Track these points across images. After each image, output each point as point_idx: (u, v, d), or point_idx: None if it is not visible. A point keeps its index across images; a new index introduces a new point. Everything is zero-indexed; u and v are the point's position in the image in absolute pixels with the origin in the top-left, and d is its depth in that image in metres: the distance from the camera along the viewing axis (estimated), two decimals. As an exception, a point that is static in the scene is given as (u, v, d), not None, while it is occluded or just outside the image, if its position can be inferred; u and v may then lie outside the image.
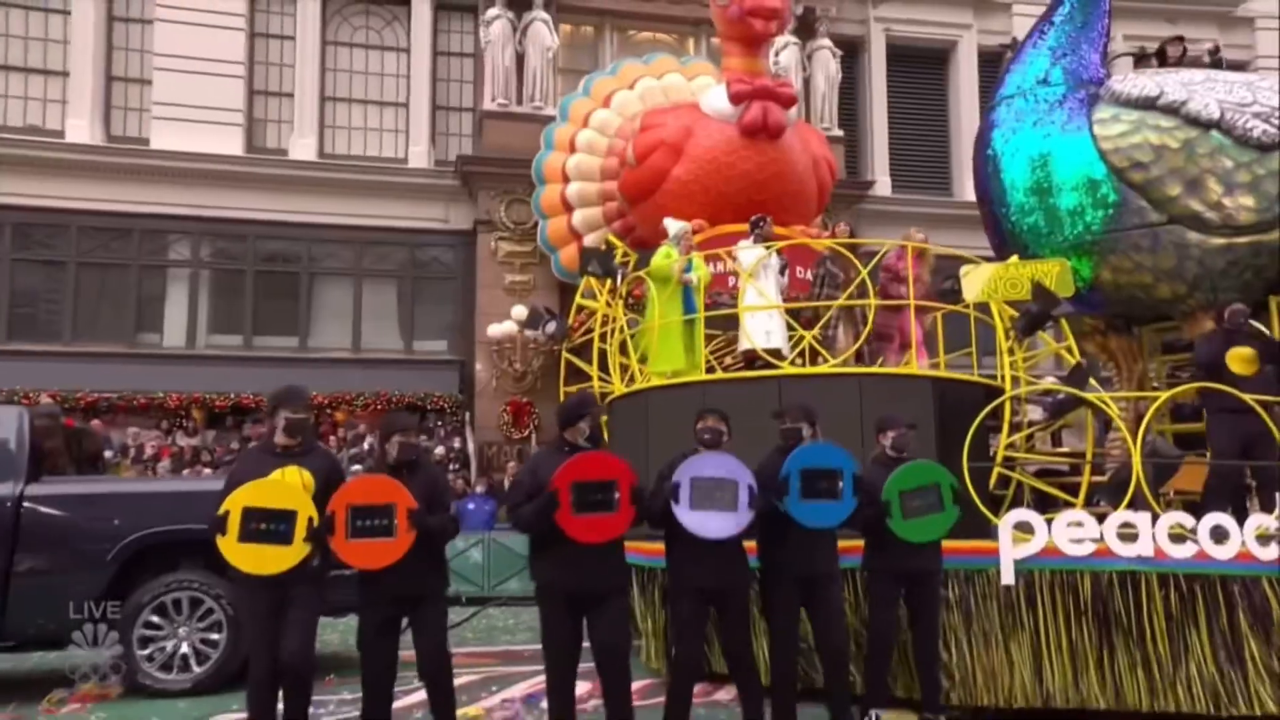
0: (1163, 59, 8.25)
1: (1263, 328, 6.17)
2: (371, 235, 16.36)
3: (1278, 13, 18.69)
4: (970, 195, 17.23)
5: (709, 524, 4.26)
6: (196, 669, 5.84)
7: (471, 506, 11.21)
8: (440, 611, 4.41)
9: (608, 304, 8.10)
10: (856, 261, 7.09)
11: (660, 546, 4.87)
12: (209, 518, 4.15)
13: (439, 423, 15.17)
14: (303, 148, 16.29)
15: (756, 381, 6.30)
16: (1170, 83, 6.97)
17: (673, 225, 8.04)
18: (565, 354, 8.57)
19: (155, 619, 5.84)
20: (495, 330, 15.09)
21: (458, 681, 5.45)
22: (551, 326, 8.22)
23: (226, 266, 16.23)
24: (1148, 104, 6.91)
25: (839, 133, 16.49)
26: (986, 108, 7.76)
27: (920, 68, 18.11)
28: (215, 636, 5.87)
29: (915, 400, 6.06)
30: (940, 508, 4.52)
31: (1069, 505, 6.07)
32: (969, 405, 6.32)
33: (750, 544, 4.64)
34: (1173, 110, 6.83)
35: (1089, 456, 6.08)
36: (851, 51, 17.59)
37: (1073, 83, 7.30)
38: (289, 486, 4.15)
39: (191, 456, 13.71)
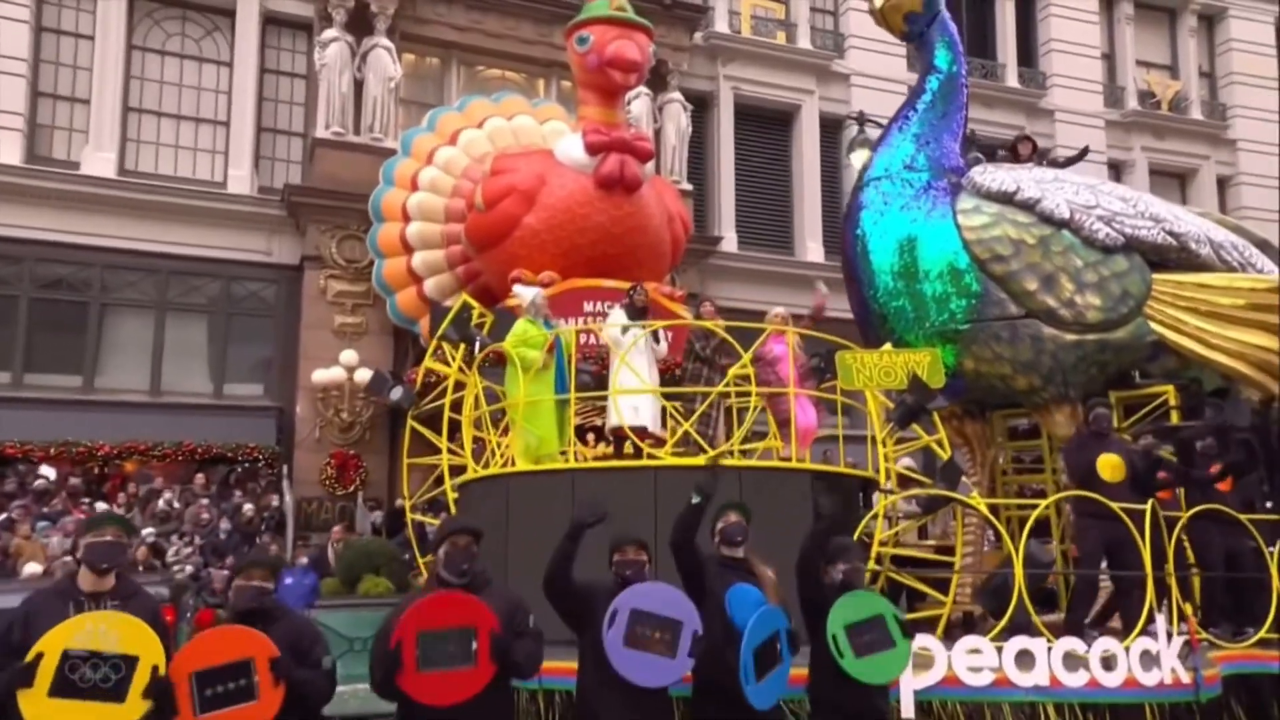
0: (1014, 155, 8.69)
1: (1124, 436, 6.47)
2: (179, 265, 14.86)
3: (1073, 108, 20.76)
4: (811, 256, 18.03)
5: (641, 669, 3.75)
6: None
7: (289, 581, 10.05)
8: None
9: (461, 370, 7.47)
10: (737, 345, 6.88)
11: (563, 665, 4.26)
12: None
13: (251, 478, 13.75)
14: (99, 162, 14.59)
15: (630, 470, 5.92)
16: (1025, 179, 7.29)
17: (525, 293, 7.56)
18: (411, 422, 7.85)
19: None
20: (321, 376, 14.02)
21: None
22: (397, 393, 7.49)
23: (-6, 292, 14.20)
24: (1006, 198, 7.18)
25: (688, 186, 16.63)
26: (855, 187, 7.85)
27: (766, 128, 18.65)
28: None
29: (794, 493, 5.88)
30: (890, 644, 4.17)
31: (938, 600, 6.06)
32: (846, 497, 6.21)
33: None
34: (1028, 207, 7.14)
35: (959, 553, 6.12)
36: (701, 106, 17.85)
37: (936, 170, 7.50)
38: (132, 624, 3.27)
39: (-63, 516, 11.67)
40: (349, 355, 14.08)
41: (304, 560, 10.30)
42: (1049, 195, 7.16)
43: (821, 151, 18.61)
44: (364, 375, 13.99)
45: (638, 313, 7.26)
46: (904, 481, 7.47)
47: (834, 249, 18.24)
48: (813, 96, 18.64)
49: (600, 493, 5.84)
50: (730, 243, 17.48)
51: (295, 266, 15.02)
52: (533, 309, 7.19)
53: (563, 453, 6.66)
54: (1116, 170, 21.45)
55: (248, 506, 12.50)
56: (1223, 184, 22.15)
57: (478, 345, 6.93)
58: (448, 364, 7.74)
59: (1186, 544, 6.01)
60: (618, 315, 7.21)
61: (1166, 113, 21.80)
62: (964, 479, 6.00)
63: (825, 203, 18.50)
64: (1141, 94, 21.84)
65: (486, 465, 7.12)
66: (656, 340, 7.30)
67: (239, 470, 13.90)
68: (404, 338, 14.80)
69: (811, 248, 18.18)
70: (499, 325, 7.74)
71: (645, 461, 6.02)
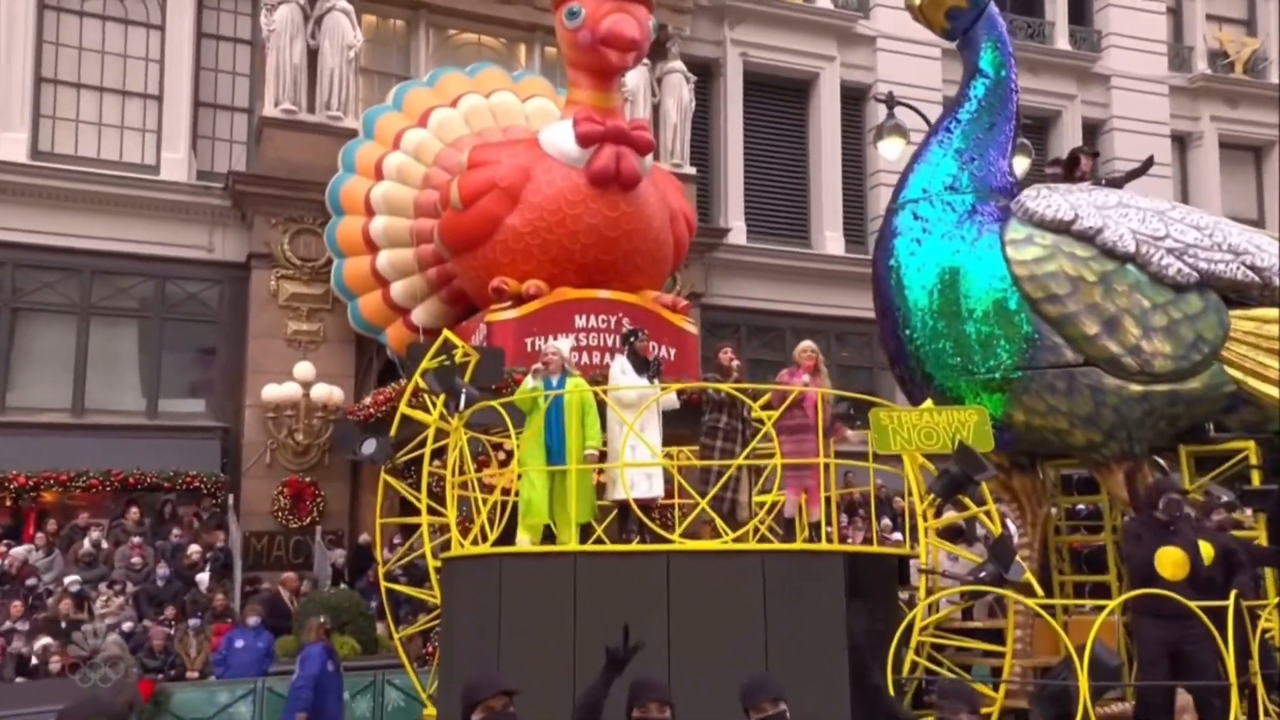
0: (1073, 166, 8.72)
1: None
2: (105, 263, 14.83)
3: (1133, 72, 20.78)
4: (831, 248, 18.10)
5: None
6: None
7: (240, 644, 10.16)
8: None
9: (442, 417, 7.53)
10: (755, 407, 6.94)
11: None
12: None
13: (191, 511, 13.77)
14: (7, 143, 14.52)
15: (640, 555, 6.01)
16: (1084, 205, 7.32)
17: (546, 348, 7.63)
18: (385, 476, 7.91)
19: None
20: (272, 392, 14.06)
21: None
22: (369, 447, 7.53)
23: (-116, 296, 14.16)
24: (1062, 228, 7.21)
25: (691, 170, 16.64)
26: (889, 209, 7.88)
27: (780, 100, 18.66)
28: None
29: (824, 578, 5.98)
30: None
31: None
32: (882, 579, 6.32)
33: None
34: (1088, 238, 7.16)
35: (1009, 641, 6.23)
36: (706, 76, 17.83)
37: (982, 191, 7.52)
38: None
39: None
40: (304, 368, 14.12)
41: (254, 620, 10.35)
42: (1111, 224, 7.19)
43: (843, 128, 18.62)
44: (321, 393, 14.13)
45: (641, 363, 7.33)
46: (949, 535, 7.65)
47: (856, 240, 18.37)
48: (833, 63, 18.62)
49: (607, 580, 5.96)
50: (739, 234, 17.52)
51: (241, 265, 14.99)
52: (533, 375, 7.28)
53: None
54: (1181, 143, 21.56)
55: (194, 548, 12.53)
56: (1305, 158, 22.23)
57: (464, 399, 6.97)
58: (427, 410, 7.79)
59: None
60: (622, 370, 7.28)
61: (1241, 76, 21.83)
62: (1020, 562, 6.08)
63: (847, 187, 18.55)
64: (1212, 55, 21.86)
65: (469, 528, 7.19)
66: (656, 376, 7.39)
67: (173, 499, 13.83)
68: (367, 347, 14.85)
69: (831, 238, 18.23)
70: (485, 365, 7.80)
71: (657, 546, 6.11)
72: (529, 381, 7.15)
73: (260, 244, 14.65)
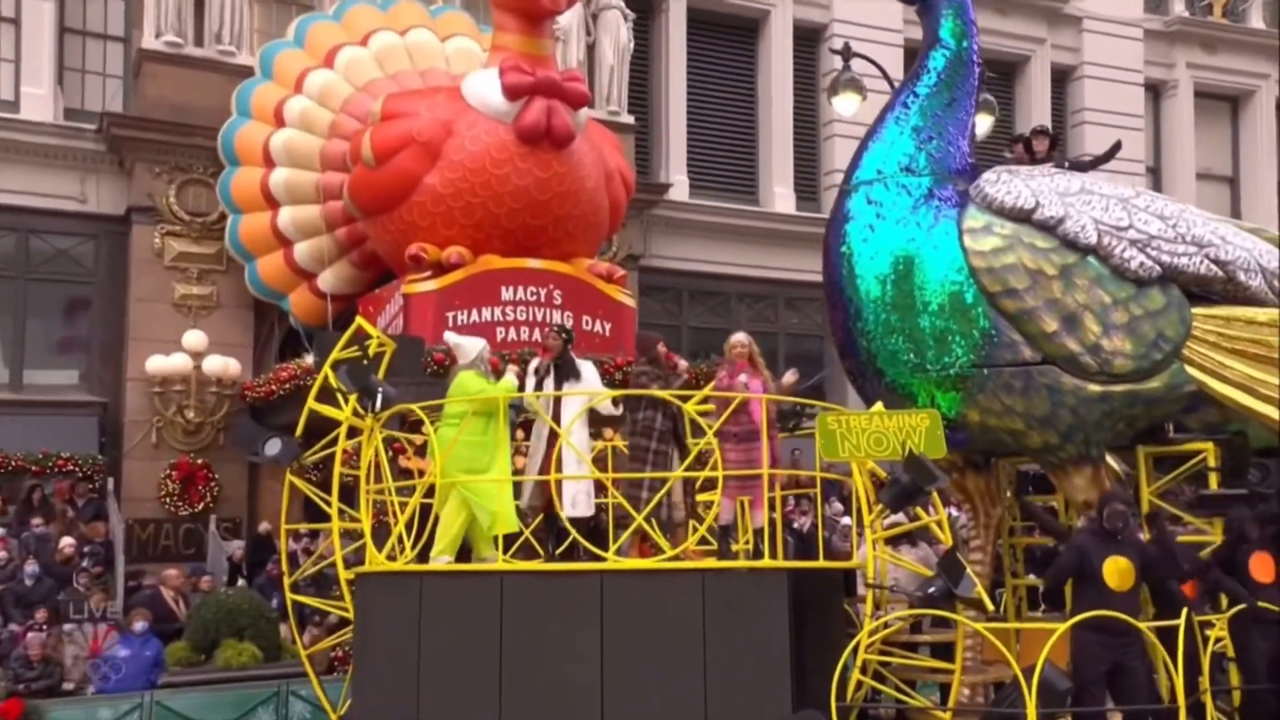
0: (1028, 148, 9.04)
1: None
2: (-43, 214, 14.49)
3: (1107, 14, 21.24)
4: (780, 205, 18.37)
5: None
6: None
7: (125, 653, 10.18)
8: None
9: (356, 414, 7.62)
10: (690, 408, 7.17)
11: None
12: None
13: (64, 497, 13.64)
14: None
15: (572, 575, 6.23)
16: (1046, 192, 7.60)
17: (468, 344, 7.69)
18: (291, 477, 8.00)
19: None
20: (158, 363, 13.94)
21: None
22: (274, 447, 7.59)
23: None
24: (1022, 216, 7.48)
25: (629, 119, 16.71)
26: (841, 190, 8.11)
27: (726, 41, 18.74)
28: None
29: (767, 596, 6.28)
30: None
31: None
32: (826, 594, 6.63)
33: None
34: (1049, 228, 7.45)
35: (959, 658, 6.60)
36: (646, 13, 17.82)
37: (939, 173, 7.76)
38: None
39: None
40: (195, 336, 14.02)
41: (140, 625, 10.39)
42: (1074, 214, 7.48)
43: (795, 73, 18.78)
44: (215, 365, 14.06)
45: (566, 365, 7.49)
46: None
47: (808, 198, 18.64)
48: (785, 1, 18.70)
49: (537, 600, 6.20)
50: (680, 189, 17.68)
51: (119, 218, 14.77)
52: (480, 362, 7.41)
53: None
54: (1155, 92, 22.17)
55: (67, 540, 12.41)
56: (1285, 110, 22.97)
57: (380, 399, 7.08)
58: (338, 404, 7.86)
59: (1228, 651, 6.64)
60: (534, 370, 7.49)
61: (1219, 20, 22.45)
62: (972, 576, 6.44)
63: (799, 139, 18.76)
64: (1189, -5, 22.44)
65: (387, 537, 7.33)
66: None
67: (42, 484, 13.63)
68: (267, 314, 14.78)
69: (780, 195, 18.48)
70: (403, 357, 7.90)
71: (590, 565, 6.33)
72: (511, 377, 7.32)
73: (141, 195, 14.43)
